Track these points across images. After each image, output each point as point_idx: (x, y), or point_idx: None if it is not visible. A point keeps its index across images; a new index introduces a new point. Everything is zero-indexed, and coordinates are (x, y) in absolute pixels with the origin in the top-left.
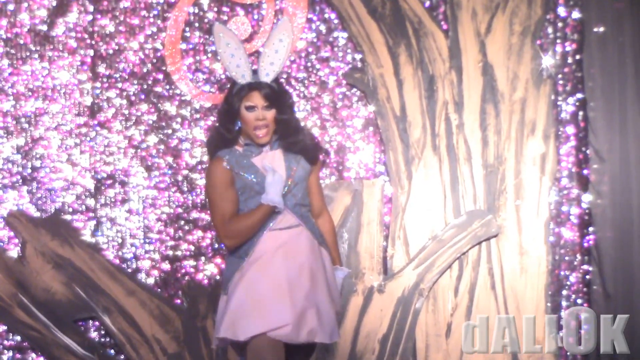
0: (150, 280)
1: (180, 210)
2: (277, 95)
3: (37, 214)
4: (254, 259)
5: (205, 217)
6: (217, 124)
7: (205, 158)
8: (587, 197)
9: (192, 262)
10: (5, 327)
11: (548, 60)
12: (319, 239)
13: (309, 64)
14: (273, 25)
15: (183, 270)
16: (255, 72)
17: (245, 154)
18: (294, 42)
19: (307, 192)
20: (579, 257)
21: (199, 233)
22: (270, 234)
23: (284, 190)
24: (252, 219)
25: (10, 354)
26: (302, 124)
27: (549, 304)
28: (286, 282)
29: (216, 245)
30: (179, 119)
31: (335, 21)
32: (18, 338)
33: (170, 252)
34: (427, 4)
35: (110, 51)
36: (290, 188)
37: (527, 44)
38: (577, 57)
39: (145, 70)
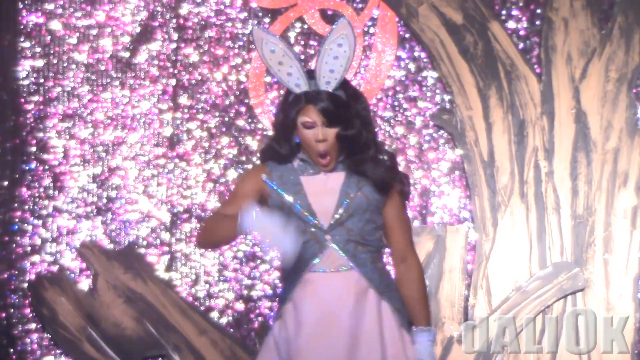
0: (223, 320)
1: (257, 248)
2: (339, 110)
3: (110, 246)
4: (290, 308)
5: None
6: (271, 137)
7: None
8: None
9: (267, 303)
10: None
11: None
12: (380, 288)
13: (395, 103)
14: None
15: (257, 311)
16: (312, 76)
17: (296, 170)
18: (356, 46)
19: (376, 228)
20: None
21: (276, 273)
22: (311, 276)
23: (331, 220)
24: (212, 223)
25: None
26: (382, 142)
27: None
28: (307, 347)
29: None
30: (259, 155)
31: (425, 60)
32: None
33: (245, 292)
34: (521, 46)
35: (193, 81)
36: (342, 219)
37: (623, 92)
38: None
39: (227, 102)
